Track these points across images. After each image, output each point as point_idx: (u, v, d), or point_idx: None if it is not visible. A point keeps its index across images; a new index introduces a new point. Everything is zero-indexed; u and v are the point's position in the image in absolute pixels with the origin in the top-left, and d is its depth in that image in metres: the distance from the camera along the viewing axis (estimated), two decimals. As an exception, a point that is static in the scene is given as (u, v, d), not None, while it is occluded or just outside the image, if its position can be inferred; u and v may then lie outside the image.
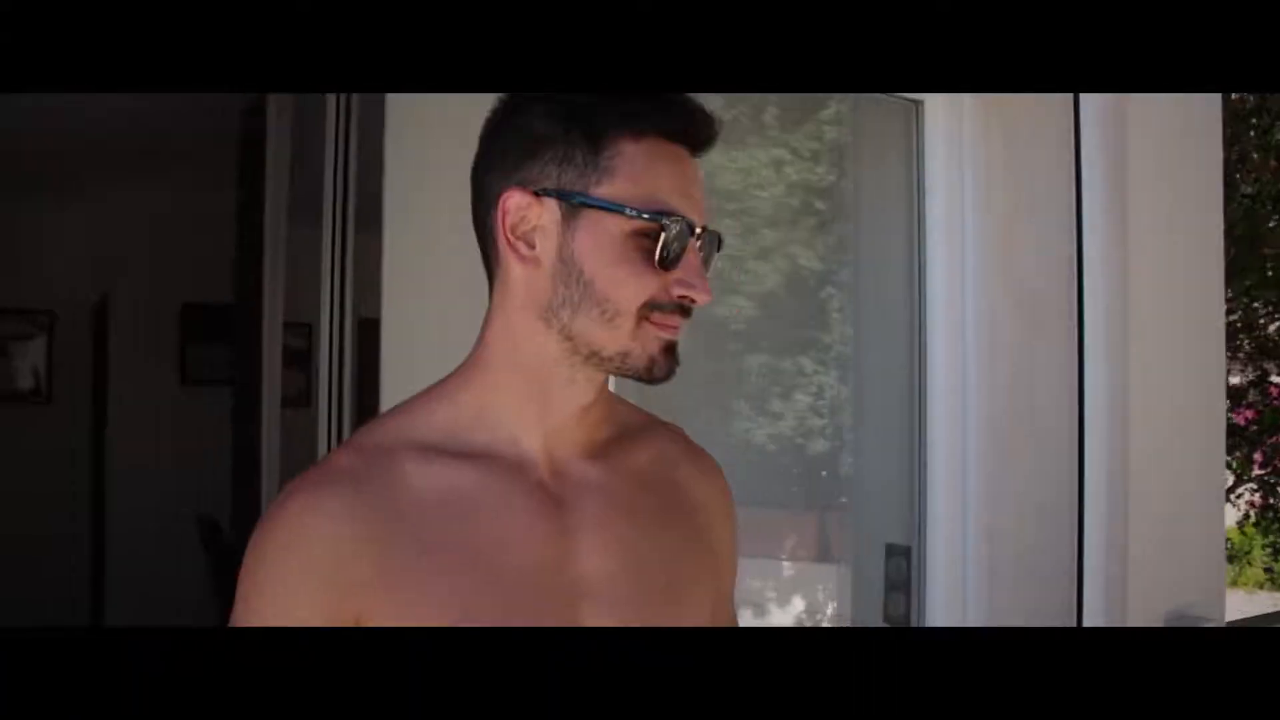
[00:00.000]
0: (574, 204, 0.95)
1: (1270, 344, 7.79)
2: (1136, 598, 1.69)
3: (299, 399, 3.13)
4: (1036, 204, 1.81)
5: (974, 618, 1.77)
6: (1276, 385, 8.07)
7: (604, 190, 0.94)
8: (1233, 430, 7.97)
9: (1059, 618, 1.72)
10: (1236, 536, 8.95)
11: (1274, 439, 7.99)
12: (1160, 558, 1.74)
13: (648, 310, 0.96)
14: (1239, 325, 7.90)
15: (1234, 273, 7.21)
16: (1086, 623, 1.67)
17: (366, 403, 2.29)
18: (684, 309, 0.97)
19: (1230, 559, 9.17)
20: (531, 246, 0.97)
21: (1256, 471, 7.96)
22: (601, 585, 0.98)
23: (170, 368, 4.80)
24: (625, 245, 0.94)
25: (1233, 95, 6.71)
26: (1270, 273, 7.35)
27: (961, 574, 1.81)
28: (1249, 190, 6.95)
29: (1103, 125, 1.75)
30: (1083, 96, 1.73)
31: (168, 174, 4.19)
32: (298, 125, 2.96)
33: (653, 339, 0.97)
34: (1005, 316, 1.78)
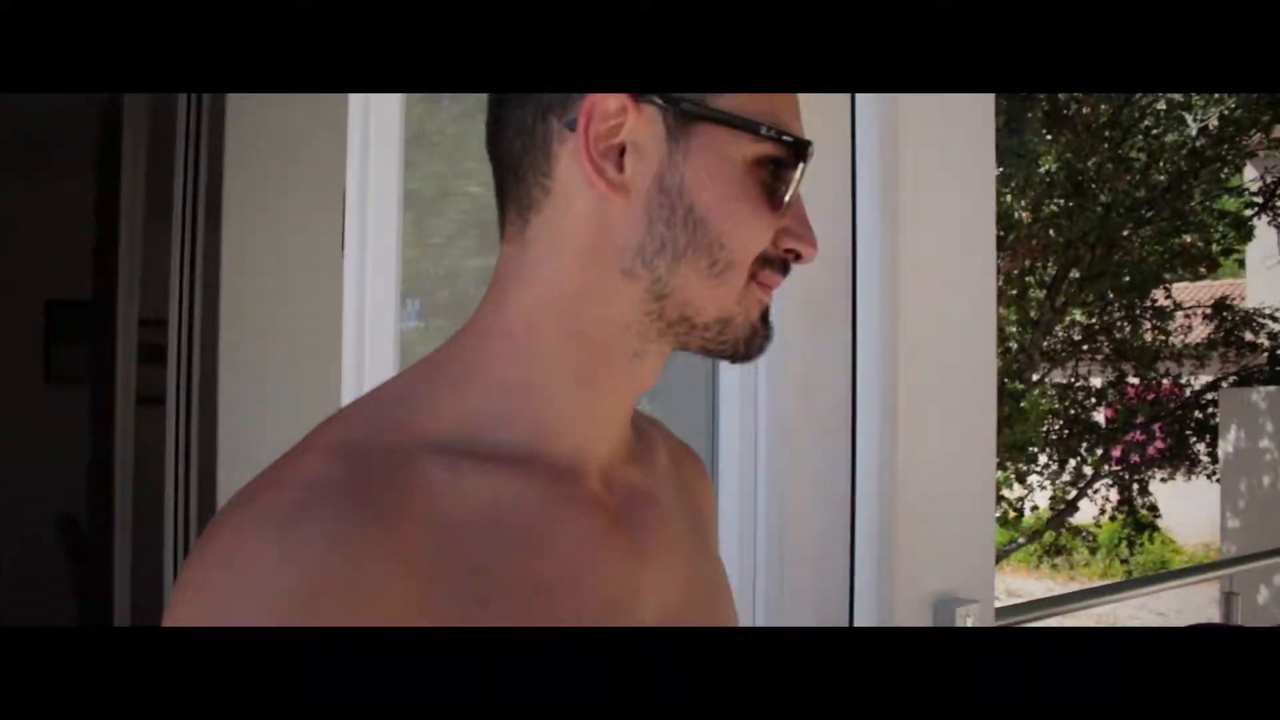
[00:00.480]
0: (687, 114, 0.70)
1: (1126, 346, 8.20)
2: (904, 582, 1.82)
3: (155, 396, 3.15)
4: (822, 206, 1.92)
5: (762, 607, 1.88)
6: (1133, 385, 8.49)
7: (726, 100, 0.70)
8: (1092, 428, 8.38)
9: (839, 603, 1.84)
10: (1100, 532, 9.37)
11: (1130, 436, 8.41)
12: (930, 545, 1.87)
13: (759, 264, 0.73)
14: (1098, 328, 8.32)
15: (1091, 278, 7.60)
16: (857, 606, 1.80)
17: (206, 399, 2.34)
18: (788, 267, 0.76)
19: (1092, 551, 9.59)
20: (620, 169, 0.70)
21: (1113, 467, 8.36)
22: (675, 622, 0.77)
23: (35, 365, 4.74)
24: (746, 176, 0.71)
25: (1084, 109, 7.07)
26: (1126, 279, 7.75)
27: (752, 565, 1.91)
28: (1105, 200, 7.32)
29: (877, 126, 1.84)
30: (858, 97, 1.84)
31: (27, 170, 4.16)
32: (154, 122, 2.99)
33: (755, 303, 0.75)
34: (793, 318, 1.89)
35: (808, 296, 1.86)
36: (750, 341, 0.76)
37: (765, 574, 1.87)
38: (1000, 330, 7.30)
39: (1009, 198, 7.06)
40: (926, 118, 1.88)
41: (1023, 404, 6.57)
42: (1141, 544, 8.50)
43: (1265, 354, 8.23)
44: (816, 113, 1.98)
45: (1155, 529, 8.30)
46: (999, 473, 7.07)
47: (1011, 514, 7.61)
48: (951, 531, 1.89)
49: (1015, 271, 7.32)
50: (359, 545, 0.60)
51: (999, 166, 7.33)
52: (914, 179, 1.84)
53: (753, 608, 1.88)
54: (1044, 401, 7.29)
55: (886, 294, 1.81)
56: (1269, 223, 7.96)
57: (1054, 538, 8.56)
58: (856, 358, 1.84)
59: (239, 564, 0.59)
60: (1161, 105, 7.29)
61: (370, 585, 0.60)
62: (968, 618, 1.82)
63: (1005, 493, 7.41)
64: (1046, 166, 7.30)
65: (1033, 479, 7.89)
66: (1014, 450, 6.86)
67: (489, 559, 0.66)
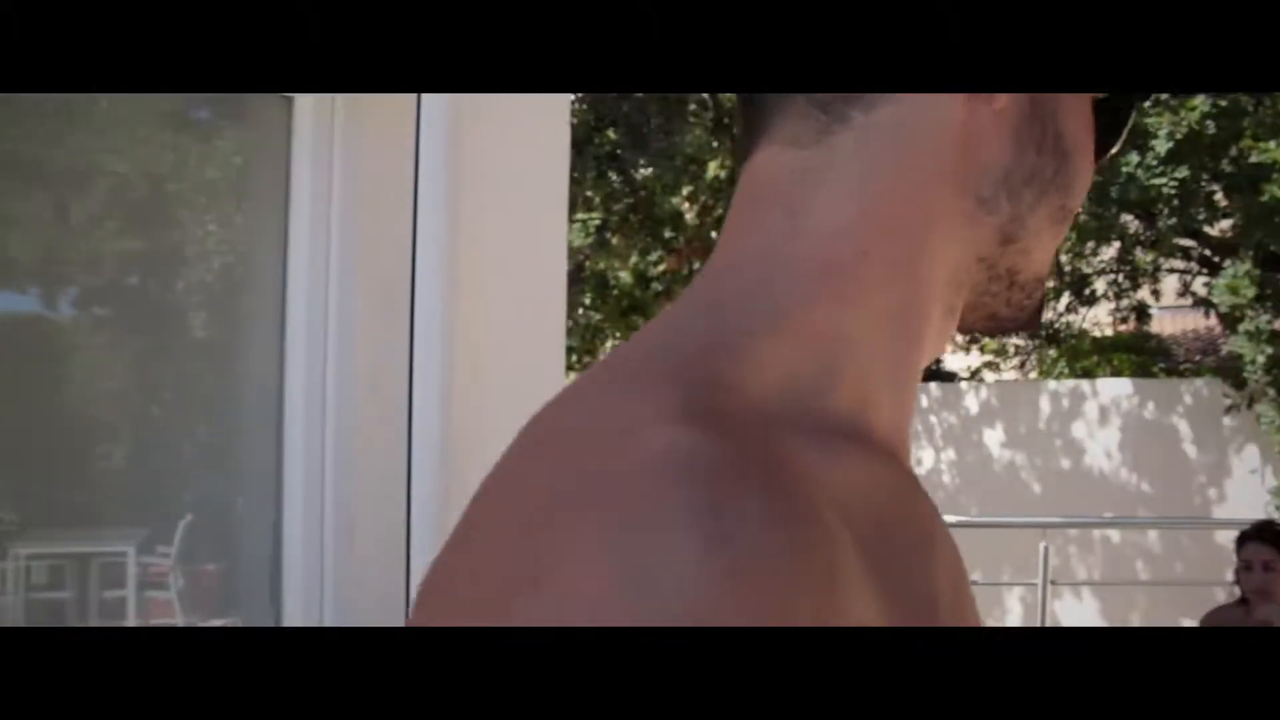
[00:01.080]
0: None
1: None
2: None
3: None
4: (393, 202, 1.91)
5: (330, 603, 1.83)
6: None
7: None
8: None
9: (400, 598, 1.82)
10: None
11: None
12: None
13: None
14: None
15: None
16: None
17: None
18: None
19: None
20: None
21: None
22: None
23: None
24: (1091, 115, 0.60)
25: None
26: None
27: (319, 560, 1.87)
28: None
29: (442, 125, 1.85)
30: (424, 96, 1.83)
31: None
32: None
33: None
34: (364, 311, 1.87)
35: (379, 292, 1.84)
36: (1040, 311, 0.63)
37: (333, 573, 1.84)
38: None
39: (667, 197, 7.44)
40: (496, 117, 1.90)
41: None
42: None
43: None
44: (394, 112, 1.96)
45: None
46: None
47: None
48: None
49: (683, 270, 7.71)
50: (808, 528, 0.42)
51: (650, 167, 7.70)
52: (478, 172, 1.85)
53: (320, 606, 1.85)
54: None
55: (446, 286, 1.81)
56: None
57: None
58: (414, 350, 1.83)
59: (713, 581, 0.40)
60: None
61: (847, 571, 0.44)
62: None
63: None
64: (714, 172, 7.69)
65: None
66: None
67: (887, 567, 0.48)
